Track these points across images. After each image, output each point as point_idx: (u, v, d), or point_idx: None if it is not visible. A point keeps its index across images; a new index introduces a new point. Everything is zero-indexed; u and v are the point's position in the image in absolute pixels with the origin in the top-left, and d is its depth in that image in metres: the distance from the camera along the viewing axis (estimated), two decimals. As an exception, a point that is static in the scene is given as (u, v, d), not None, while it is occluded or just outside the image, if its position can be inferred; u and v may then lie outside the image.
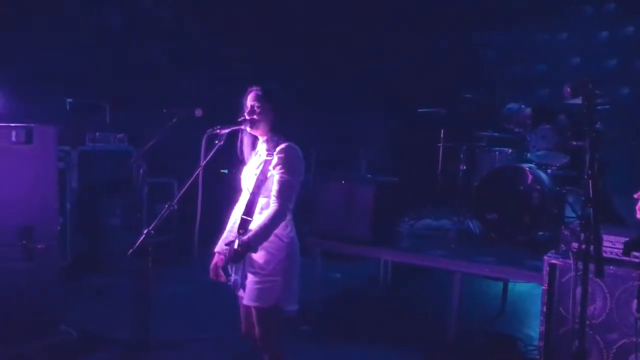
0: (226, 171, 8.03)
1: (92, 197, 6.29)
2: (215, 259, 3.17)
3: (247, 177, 3.11)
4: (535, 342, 4.66)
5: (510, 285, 5.80)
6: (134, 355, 3.97)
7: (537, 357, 4.35)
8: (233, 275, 3.05)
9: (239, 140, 3.19)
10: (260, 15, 7.76)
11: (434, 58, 8.15)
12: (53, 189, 4.28)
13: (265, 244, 2.94)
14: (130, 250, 2.95)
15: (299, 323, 4.79)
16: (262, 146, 3.11)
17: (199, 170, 3.02)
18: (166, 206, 3.05)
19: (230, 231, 3.18)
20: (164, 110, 3.14)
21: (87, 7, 6.67)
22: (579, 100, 5.79)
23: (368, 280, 6.27)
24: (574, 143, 5.57)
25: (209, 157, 3.02)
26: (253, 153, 3.16)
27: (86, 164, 6.27)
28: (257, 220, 2.96)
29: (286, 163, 2.95)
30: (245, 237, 2.88)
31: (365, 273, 6.39)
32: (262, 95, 3.05)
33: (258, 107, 3.03)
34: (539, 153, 5.70)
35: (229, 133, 3.07)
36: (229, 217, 3.28)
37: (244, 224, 2.96)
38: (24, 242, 3.99)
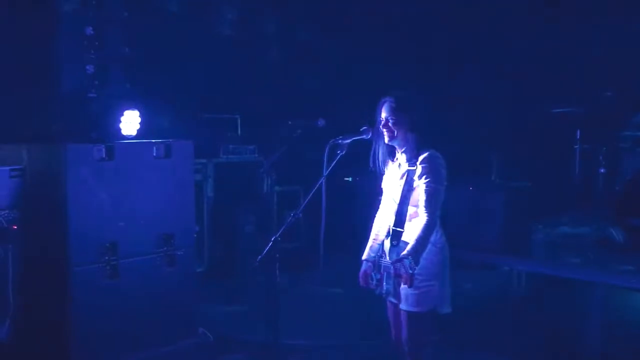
0: (350, 179, 8.14)
1: (227, 205, 6.64)
2: (364, 267, 3.24)
3: (391, 187, 3.16)
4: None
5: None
6: (266, 357, 4.12)
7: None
8: (384, 284, 3.10)
9: (373, 151, 3.25)
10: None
11: (572, 52, 7.61)
12: (190, 199, 4.57)
13: None
14: (259, 257, 3.10)
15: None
16: (401, 156, 3.13)
17: (322, 180, 3.11)
18: (292, 215, 3.16)
19: (375, 239, 3.27)
20: (289, 122, 3.26)
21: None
22: None
23: (499, 290, 5.99)
24: None
25: (331, 167, 3.13)
26: (391, 162, 3.21)
27: (221, 175, 6.64)
28: (409, 231, 3.02)
29: (430, 172, 2.97)
30: (407, 255, 2.90)
31: (497, 282, 6.11)
32: (396, 106, 3.05)
33: (393, 118, 3.05)
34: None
35: (350, 142, 3.13)
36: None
37: (396, 235, 3.04)
38: (165, 248, 4.29)
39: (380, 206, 3.31)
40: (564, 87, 6.91)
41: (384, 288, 3.10)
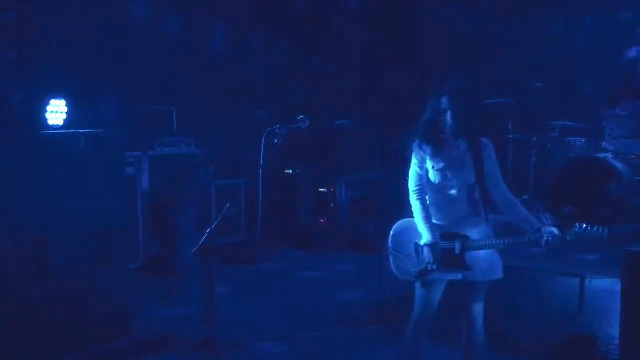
0: (291, 171, 8.12)
1: (163, 200, 6.48)
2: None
3: (456, 177, 3.16)
4: (617, 342, 4.44)
5: (588, 281, 5.52)
6: (203, 354, 4.04)
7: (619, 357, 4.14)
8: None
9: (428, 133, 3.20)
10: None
11: (502, 46, 7.85)
12: (123, 192, 4.42)
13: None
14: (194, 249, 3.04)
15: (369, 322, 4.77)
16: (462, 144, 3.17)
17: (259, 170, 3.10)
18: (227, 205, 3.11)
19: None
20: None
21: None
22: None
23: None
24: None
25: (268, 156, 3.12)
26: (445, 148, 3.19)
27: (156, 169, 6.47)
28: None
29: (494, 156, 3.18)
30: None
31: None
32: (450, 100, 3.09)
33: (450, 111, 3.08)
34: (616, 142, 5.40)
35: (287, 132, 3.12)
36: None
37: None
38: (97, 245, 4.13)
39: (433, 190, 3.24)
40: (496, 80, 7.11)
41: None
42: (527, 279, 4.63)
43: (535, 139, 6.05)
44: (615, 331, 4.64)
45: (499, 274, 3.26)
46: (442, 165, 3.16)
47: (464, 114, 3.07)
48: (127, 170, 5.29)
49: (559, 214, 5.36)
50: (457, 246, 3.12)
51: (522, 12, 7.66)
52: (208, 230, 3.07)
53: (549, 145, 5.98)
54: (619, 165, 5.21)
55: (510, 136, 6.24)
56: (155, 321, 4.81)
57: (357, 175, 7.79)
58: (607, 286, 5.81)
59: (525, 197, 6.01)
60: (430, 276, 3.17)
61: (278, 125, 3.12)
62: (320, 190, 7.84)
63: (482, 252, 3.17)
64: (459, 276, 3.19)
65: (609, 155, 5.37)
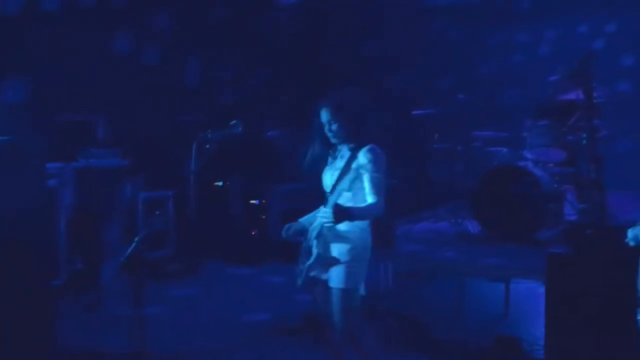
0: (220, 184, 8.01)
1: (87, 213, 6.23)
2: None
3: (331, 179, 3.29)
4: (541, 342, 4.61)
5: (513, 286, 5.73)
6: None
7: (543, 356, 4.30)
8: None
9: (310, 154, 3.40)
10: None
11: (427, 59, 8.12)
12: (43, 205, 4.21)
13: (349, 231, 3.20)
14: (121, 263, 2.94)
15: (303, 330, 4.75)
16: (345, 152, 3.30)
17: (191, 176, 3.06)
18: (157, 213, 3.07)
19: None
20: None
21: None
22: (573, 96, 5.78)
23: (368, 288, 6.16)
24: (570, 138, 5.53)
25: (200, 162, 3.12)
26: (331, 159, 3.39)
27: (80, 181, 6.21)
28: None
29: (375, 163, 3.16)
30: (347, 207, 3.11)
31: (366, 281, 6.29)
32: (333, 111, 3.22)
33: (333, 122, 3.22)
34: (536, 150, 5.66)
35: (220, 138, 3.10)
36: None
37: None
38: (16, 260, 3.91)
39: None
40: (423, 92, 7.32)
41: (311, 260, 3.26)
42: (452, 283, 4.75)
43: (460, 148, 6.25)
44: (539, 332, 4.85)
45: (339, 283, 3.24)
46: (325, 173, 3.38)
47: (341, 125, 3.22)
48: (48, 182, 5.06)
49: (482, 220, 5.54)
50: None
51: (460, 27, 8.01)
52: (135, 241, 2.98)
53: (473, 155, 6.19)
54: (539, 172, 5.45)
55: (436, 146, 6.42)
56: (80, 338, 4.61)
57: (289, 187, 7.78)
58: (530, 289, 6.10)
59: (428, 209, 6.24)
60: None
61: (210, 131, 3.09)
62: (252, 202, 7.78)
63: (337, 260, 3.24)
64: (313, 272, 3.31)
65: (529, 163, 5.61)
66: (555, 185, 5.62)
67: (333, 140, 3.29)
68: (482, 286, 5.97)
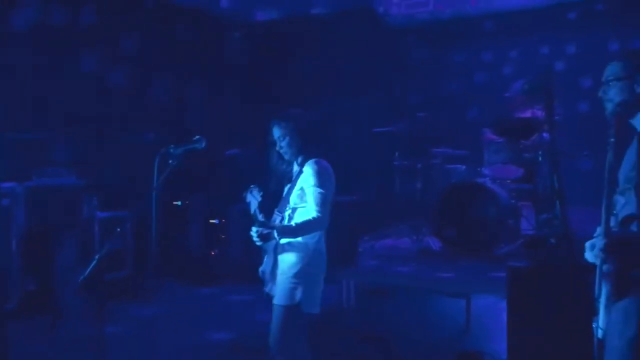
0: (180, 203, 7.88)
1: (41, 233, 6.03)
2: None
3: (284, 194, 3.33)
4: (503, 356, 4.66)
5: (473, 301, 5.80)
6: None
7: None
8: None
9: (274, 172, 3.42)
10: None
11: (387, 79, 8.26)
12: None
13: (293, 246, 3.20)
14: (78, 284, 2.84)
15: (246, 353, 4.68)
16: (295, 167, 3.34)
17: (153, 192, 2.98)
18: (117, 231, 3.00)
19: None
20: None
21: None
22: (529, 113, 5.93)
23: (330, 304, 6.13)
24: (527, 155, 5.68)
25: (162, 177, 3.01)
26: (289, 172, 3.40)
27: (33, 200, 6.02)
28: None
29: (318, 177, 3.16)
30: (280, 227, 3.18)
31: (327, 297, 6.25)
32: (283, 125, 3.26)
33: (283, 139, 3.25)
34: (493, 167, 5.78)
35: (183, 153, 3.05)
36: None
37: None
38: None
39: None
40: (383, 110, 7.42)
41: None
42: (414, 299, 4.78)
43: (419, 165, 6.33)
44: (500, 346, 4.91)
45: (279, 300, 3.23)
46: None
47: (289, 141, 3.26)
48: (1, 201, 4.89)
49: (442, 237, 5.61)
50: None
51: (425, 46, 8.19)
52: (95, 259, 2.88)
53: (432, 172, 6.27)
54: (496, 189, 5.56)
55: (397, 163, 6.49)
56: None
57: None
58: (490, 304, 6.19)
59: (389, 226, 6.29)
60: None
61: (172, 146, 3.04)
62: (211, 221, 7.68)
63: (279, 276, 3.26)
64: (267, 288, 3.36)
65: (487, 180, 5.73)
66: (513, 201, 5.75)
67: (285, 157, 3.32)
68: (443, 302, 6.03)
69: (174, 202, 7.61)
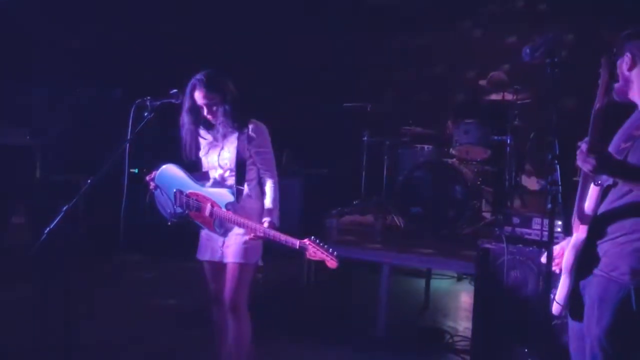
0: (136, 170, 7.61)
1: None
2: None
3: (216, 157, 3.23)
4: (460, 334, 4.73)
5: (433, 280, 5.88)
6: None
7: (464, 347, 4.41)
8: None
9: (184, 138, 3.25)
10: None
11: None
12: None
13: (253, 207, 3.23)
14: (31, 251, 2.70)
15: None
16: (224, 128, 3.19)
17: (126, 144, 2.91)
18: (88, 181, 2.93)
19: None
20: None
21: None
22: (499, 96, 5.96)
23: (291, 278, 6.09)
24: (496, 138, 5.72)
25: (137, 129, 2.93)
26: (207, 136, 3.27)
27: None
28: (256, 192, 3.26)
29: (263, 138, 3.21)
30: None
31: (289, 271, 6.21)
32: (208, 86, 3.10)
33: (210, 100, 3.11)
34: (461, 147, 5.80)
35: (159, 106, 2.98)
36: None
37: (240, 193, 3.18)
38: None
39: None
40: (354, 86, 7.35)
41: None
42: (375, 276, 4.78)
43: (387, 142, 6.30)
44: (458, 324, 4.99)
45: (249, 258, 3.22)
46: (208, 153, 3.32)
47: (224, 105, 3.16)
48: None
49: (408, 214, 5.61)
50: (208, 207, 3.15)
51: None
52: (46, 231, 2.72)
53: (400, 150, 6.25)
54: (463, 169, 5.59)
55: (365, 139, 6.44)
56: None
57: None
58: (447, 285, 6.29)
59: (355, 202, 6.27)
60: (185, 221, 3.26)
61: (149, 97, 2.92)
62: (131, 170, 7.44)
63: (235, 235, 3.20)
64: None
65: (455, 161, 5.75)
66: (478, 182, 5.79)
67: (214, 121, 3.18)
68: (404, 280, 6.08)
69: (131, 170, 7.35)
